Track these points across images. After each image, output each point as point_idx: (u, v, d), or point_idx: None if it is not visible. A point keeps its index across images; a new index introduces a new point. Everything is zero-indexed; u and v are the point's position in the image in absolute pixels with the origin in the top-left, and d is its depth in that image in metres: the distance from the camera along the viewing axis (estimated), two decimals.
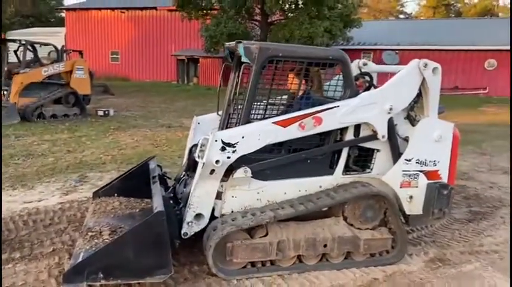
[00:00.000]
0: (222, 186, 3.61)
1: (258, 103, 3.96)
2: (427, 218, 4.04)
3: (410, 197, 3.96)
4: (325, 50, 4.03)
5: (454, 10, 51.90)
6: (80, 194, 5.48)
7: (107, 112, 12.46)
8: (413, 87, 3.94)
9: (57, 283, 3.34)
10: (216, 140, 3.41)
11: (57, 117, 11.40)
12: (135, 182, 4.48)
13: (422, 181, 3.96)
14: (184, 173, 4.26)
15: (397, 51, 23.82)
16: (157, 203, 3.43)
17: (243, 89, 3.90)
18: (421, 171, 3.95)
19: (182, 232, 3.51)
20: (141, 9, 30.80)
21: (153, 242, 3.13)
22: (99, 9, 31.95)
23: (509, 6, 50.63)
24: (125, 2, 34.07)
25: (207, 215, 3.57)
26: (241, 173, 3.54)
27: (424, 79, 3.92)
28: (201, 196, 3.52)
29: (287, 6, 21.04)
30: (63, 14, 41.46)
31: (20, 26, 31.38)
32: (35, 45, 11.89)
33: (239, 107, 3.99)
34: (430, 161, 3.96)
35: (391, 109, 3.78)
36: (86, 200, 5.19)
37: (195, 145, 4.15)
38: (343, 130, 3.85)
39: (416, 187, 3.96)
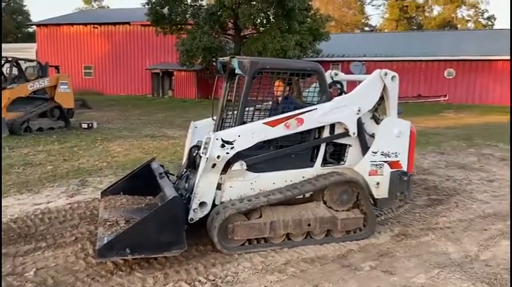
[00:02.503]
0: (221, 178, 4.32)
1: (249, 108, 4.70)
2: (391, 201, 4.87)
3: (378, 183, 4.77)
4: (304, 63, 4.84)
5: (416, 22, 54.53)
6: (84, 196, 6.02)
7: (90, 125, 12.88)
8: (376, 92, 4.79)
9: (86, 263, 3.93)
10: (217, 139, 4.12)
11: (43, 130, 11.75)
12: (138, 182, 5.10)
13: (387, 169, 4.79)
14: (185, 170, 4.91)
15: (363, 62, 25.15)
16: (171, 191, 4.10)
17: (237, 97, 4.64)
18: (385, 161, 4.78)
19: (189, 218, 4.17)
20: (114, 24, 31.13)
21: (170, 223, 3.80)
22: (72, 24, 32.09)
23: (467, 18, 53.82)
24: (97, 17, 34.40)
25: (209, 203, 4.25)
26: (237, 166, 4.25)
27: (385, 85, 4.78)
28: (205, 187, 4.20)
29: (259, 20, 21.99)
30: (31, 30, 41.31)
31: None
32: (20, 61, 12.25)
33: (233, 112, 4.74)
34: (392, 153, 4.80)
35: (359, 110, 4.61)
36: (92, 200, 5.74)
37: (195, 146, 4.86)
38: (320, 130, 4.63)
39: (382, 174, 4.78)
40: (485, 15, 52.53)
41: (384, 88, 4.80)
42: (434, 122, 15.70)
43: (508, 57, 21.80)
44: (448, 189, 6.71)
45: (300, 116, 4.43)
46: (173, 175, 5.10)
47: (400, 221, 5.20)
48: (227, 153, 4.15)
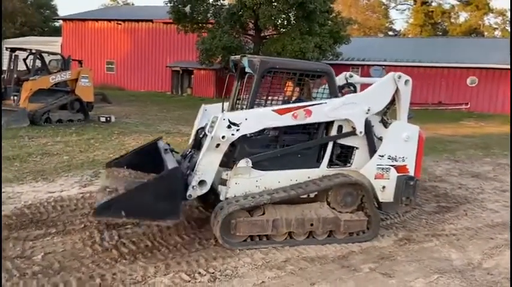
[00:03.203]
0: (227, 174, 4.39)
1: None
2: (397, 205, 4.85)
3: (383, 187, 4.77)
4: (314, 64, 4.89)
5: (441, 28, 53.67)
6: (96, 187, 6.14)
7: (108, 119, 13.15)
8: (388, 94, 4.78)
9: (92, 250, 4.06)
10: (224, 119, 4.15)
11: (62, 122, 12.07)
12: (143, 158, 5.11)
13: (393, 173, 4.78)
14: (190, 150, 4.97)
15: (383, 67, 24.91)
16: (173, 164, 4.18)
17: (246, 95, 4.71)
18: (392, 165, 4.77)
19: (187, 194, 4.18)
20: (137, 21, 31.64)
21: (169, 192, 3.88)
22: (96, 20, 32.74)
23: (494, 26, 52.73)
24: (121, 14, 35.01)
25: (208, 182, 4.25)
26: (243, 163, 4.32)
27: (397, 88, 4.77)
28: (206, 165, 4.22)
29: (279, 22, 22.04)
30: (57, 24, 42.27)
31: (11, 35, 31.82)
32: (43, 54, 12.61)
33: (242, 110, 4.80)
34: (399, 157, 4.78)
35: (368, 110, 4.60)
36: None
37: (202, 128, 4.88)
38: (328, 129, 4.64)
39: (388, 178, 4.77)
40: None
41: (397, 91, 4.79)
42: (452, 130, 15.47)
43: None
44: (458, 197, 6.63)
45: (308, 108, 4.43)
46: (178, 153, 5.15)
47: (405, 226, 5.18)
48: (232, 134, 4.17)
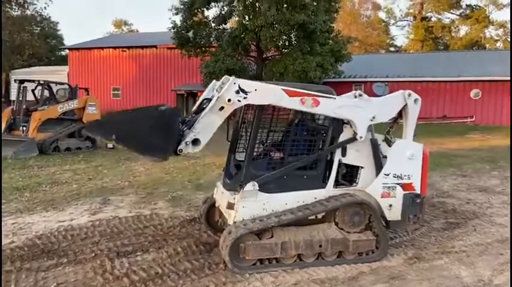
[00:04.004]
0: (234, 198, 4.45)
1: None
2: (404, 223, 4.87)
3: (390, 205, 4.79)
4: (314, 86, 4.94)
5: (442, 43, 54.06)
6: (106, 214, 6.24)
7: (115, 145, 13.30)
8: (395, 108, 4.82)
9: (103, 279, 4.10)
10: (234, 83, 4.15)
11: (71, 150, 12.25)
12: None
13: (400, 191, 4.80)
14: (191, 116, 4.82)
15: (386, 83, 25.05)
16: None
17: (251, 119, 4.79)
18: (398, 183, 4.80)
19: (178, 148, 4.05)
20: (142, 47, 32.25)
21: (164, 129, 3.87)
22: (102, 48, 33.42)
23: (496, 38, 53.03)
24: (126, 41, 35.73)
25: (202, 142, 4.14)
26: (250, 186, 4.37)
27: (406, 105, 4.81)
28: (205, 125, 4.14)
29: (281, 43, 22.36)
30: (63, 53, 43.14)
31: (19, 66, 32.44)
32: (51, 84, 12.89)
33: (246, 133, 4.89)
34: (405, 175, 4.82)
35: (373, 117, 4.62)
36: (112, 218, 5.96)
37: (207, 99, 4.85)
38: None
39: (395, 197, 4.80)
40: None
41: (405, 108, 4.83)
42: (458, 144, 15.45)
43: None
44: (467, 212, 6.61)
45: (318, 98, 4.42)
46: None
47: (414, 244, 5.17)
48: (238, 100, 4.14)
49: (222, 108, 4.11)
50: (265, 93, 4.26)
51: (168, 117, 3.94)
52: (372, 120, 4.63)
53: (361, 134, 4.58)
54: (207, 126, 4.12)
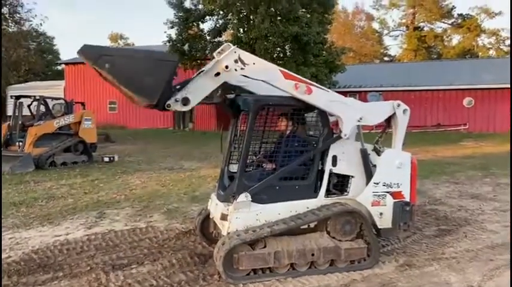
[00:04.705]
0: (227, 209, 4.53)
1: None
2: (395, 231, 4.96)
3: (381, 213, 4.88)
4: None
5: (435, 52, 54.66)
6: (101, 228, 6.29)
7: (112, 158, 13.38)
8: (383, 114, 4.94)
9: None
10: (235, 52, 4.25)
11: (67, 164, 12.30)
12: None
13: (389, 200, 4.90)
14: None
15: (380, 93, 25.32)
16: None
17: (242, 132, 4.90)
18: (387, 192, 4.90)
19: (167, 103, 4.13)
20: None
21: (159, 74, 3.85)
22: None
23: (488, 46, 53.67)
24: None
25: (192, 103, 4.19)
26: (243, 197, 4.46)
27: (395, 115, 4.93)
28: (198, 86, 4.23)
29: (275, 55, 22.62)
30: (59, 68, 43.38)
31: (15, 81, 32.58)
32: (47, 99, 13.00)
33: (239, 146, 4.99)
34: (394, 184, 4.92)
35: (360, 119, 4.73)
36: (108, 232, 6.01)
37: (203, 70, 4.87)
38: (323, 158, 4.78)
39: (385, 205, 4.89)
40: (507, 42, 52.28)
41: (394, 118, 4.95)
42: (452, 151, 15.61)
43: None
44: (458, 219, 6.70)
45: (311, 87, 4.52)
46: None
47: (406, 252, 5.24)
48: (235, 69, 4.22)
49: (217, 74, 4.19)
50: (263, 69, 4.36)
51: (166, 64, 3.96)
52: (359, 121, 4.73)
53: (345, 132, 4.66)
54: (200, 88, 4.21)
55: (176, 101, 4.12)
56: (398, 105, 4.94)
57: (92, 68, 3.90)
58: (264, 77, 4.38)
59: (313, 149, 4.81)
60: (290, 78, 4.45)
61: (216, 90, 4.49)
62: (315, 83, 4.62)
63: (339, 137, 4.71)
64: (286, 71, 4.48)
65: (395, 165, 4.92)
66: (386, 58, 57.58)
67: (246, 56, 4.30)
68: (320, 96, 4.56)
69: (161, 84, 3.88)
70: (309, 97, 4.52)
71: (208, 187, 8.92)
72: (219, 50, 4.31)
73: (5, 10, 15.75)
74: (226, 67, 4.17)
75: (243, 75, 4.33)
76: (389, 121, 5.02)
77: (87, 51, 3.74)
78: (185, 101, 4.14)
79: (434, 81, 25.56)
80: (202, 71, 4.51)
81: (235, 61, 4.21)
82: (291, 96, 4.94)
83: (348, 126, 4.68)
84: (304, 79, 4.55)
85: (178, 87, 4.23)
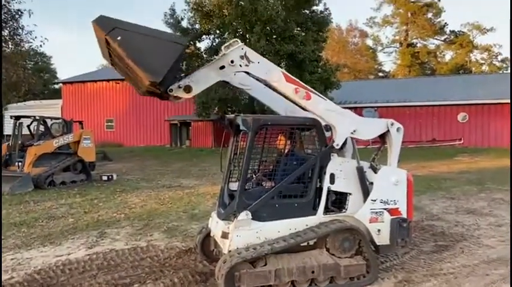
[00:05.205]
0: (228, 227, 4.62)
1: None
2: (393, 247, 5.04)
3: (379, 230, 4.97)
4: (303, 118, 5.21)
5: (429, 67, 55.42)
6: (102, 247, 6.34)
7: (110, 177, 13.44)
8: (377, 129, 5.09)
9: None
10: (242, 48, 4.43)
11: (66, 184, 12.34)
12: None
13: (387, 216, 4.99)
14: None
15: (376, 109, 25.60)
16: None
17: (242, 151, 5.02)
18: (385, 209, 5.00)
19: (170, 87, 4.25)
20: None
21: (168, 54, 3.94)
22: (95, 81, 33.88)
23: (481, 61, 54.47)
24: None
25: (194, 91, 4.33)
26: (243, 215, 4.55)
27: (389, 133, 5.08)
28: (202, 76, 4.39)
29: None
30: (56, 87, 43.64)
31: (15, 101, 32.69)
32: (46, 119, 13.11)
33: (239, 165, 5.11)
34: (391, 201, 5.03)
35: (354, 131, 4.88)
36: (109, 251, 6.06)
37: None
38: (321, 176, 4.89)
39: (383, 221, 4.98)
40: (500, 57, 53.15)
41: (388, 136, 5.09)
42: (447, 167, 15.76)
43: None
44: (455, 235, 6.79)
45: (311, 93, 4.69)
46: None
47: (404, 268, 5.32)
48: (240, 65, 4.39)
49: (222, 67, 4.34)
50: (266, 69, 4.52)
51: (176, 46, 4.05)
52: (352, 133, 4.87)
53: (338, 142, 4.79)
54: (203, 78, 4.36)
55: (179, 87, 4.25)
56: (392, 124, 5.09)
57: (101, 41, 3.98)
58: (266, 76, 4.54)
59: (311, 167, 4.93)
60: (291, 81, 4.61)
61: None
62: (314, 91, 4.76)
63: (332, 147, 4.83)
64: (289, 75, 4.65)
65: (391, 182, 5.03)
66: (380, 74, 58.30)
67: (252, 54, 4.48)
68: (318, 104, 4.72)
69: (168, 64, 3.96)
70: (306, 103, 4.67)
71: (207, 205, 8.99)
72: (226, 44, 4.49)
73: (5, 32, 15.94)
74: (232, 61, 4.34)
75: (245, 72, 4.46)
76: (384, 138, 5.16)
77: (102, 21, 3.84)
78: (188, 89, 4.28)
79: (429, 96, 25.90)
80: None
81: (241, 57, 4.39)
82: (289, 116, 5.09)
83: (341, 136, 4.82)
84: (305, 85, 4.70)
85: (183, 75, 4.39)
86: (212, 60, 4.87)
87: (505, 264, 5.34)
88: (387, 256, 5.53)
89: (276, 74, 4.57)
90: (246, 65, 4.42)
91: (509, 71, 45.84)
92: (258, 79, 4.71)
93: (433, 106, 25.30)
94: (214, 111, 23.56)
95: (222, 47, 4.50)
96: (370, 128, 5.06)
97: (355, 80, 44.01)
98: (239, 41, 4.52)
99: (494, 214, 8.14)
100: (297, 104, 4.96)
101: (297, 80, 4.68)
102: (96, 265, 5.54)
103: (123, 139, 32.05)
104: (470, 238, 6.57)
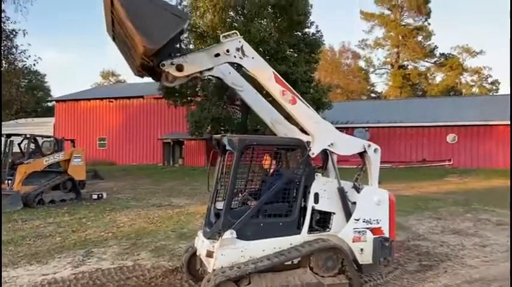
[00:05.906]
0: (213, 246, 4.68)
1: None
2: (376, 266, 5.11)
3: (361, 249, 5.05)
4: (288, 138, 5.34)
5: (420, 89, 56.23)
6: (88, 266, 6.32)
7: (100, 195, 13.42)
8: (353, 148, 5.23)
9: None
10: (239, 41, 4.61)
11: (55, 202, 12.29)
12: None
13: (370, 236, 5.08)
14: None
15: (367, 129, 25.89)
16: None
17: (228, 170, 5.12)
18: (367, 228, 5.09)
19: (163, 61, 4.34)
20: (129, 98, 32.92)
21: (170, 27, 4.06)
22: (89, 99, 34.00)
23: (471, 83, 55.41)
24: (113, 92, 36.44)
25: (185, 71, 4.46)
26: (228, 234, 4.62)
27: (366, 154, 5.22)
28: (196, 59, 4.55)
29: (264, 92, 23.11)
30: (49, 104, 43.66)
31: (7, 119, 32.72)
32: (37, 137, 13.14)
33: (225, 184, 5.20)
34: (373, 220, 5.13)
35: (331, 144, 5.02)
36: (95, 271, 6.05)
37: None
38: (305, 195, 4.99)
39: (365, 241, 5.07)
40: (489, 80, 54.09)
41: (366, 157, 5.23)
42: (436, 187, 15.92)
43: (508, 123, 22.18)
44: (440, 254, 6.87)
45: (297, 99, 4.86)
46: None
47: None
48: (234, 56, 4.58)
49: (217, 55, 4.49)
50: (259, 65, 4.71)
51: (178, 19, 4.17)
52: (329, 146, 5.00)
53: (314, 151, 4.90)
54: (197, 61, 4.51)
55: (172, 64, 4.38)
56: (369, 145, 5.24)
57: (107, 6, 4.09)
58: (257, 72, 4.70)
59: (295, 187, 5.03)
60: (280, 83, 4.78)
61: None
62: (303, 99, 4.91)
63: (308, 156, 4.92)
64: (280, 77, 4.82)
65: (374, 202, 5.14)
66: (373, 94, 58.98)
67: (249, 49, 4.67)
68: (302, 110, 4.87)
69: (168, 34, 4.07)
70: (291, 107, 4.82)
71: (196, 224, 9.01)
72: (225, 34, 4.67)
73: None
74: (227, 51, 4.52)
75: (238, 65, 4.62)
76: (363, 159, 5.30)
77: None
78: (180, 67, 4.41)
79: (419, 117, 26.27)
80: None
81: (237, 49, 4.58)
82: (275, 136, 5.22)
83: (319, 146, 4.94)
84: (294, 92, 4.86)
85: (178, 54, 4.51)
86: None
87: (486, 284, 5.42)
88: (371, 275, 5.59)
89: (267, 73, 4.75)
90: (240, 58, 4.59)
91: (499, 93, 46.75)
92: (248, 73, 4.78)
93: (423, 127, 25.64)
94: (207, 130, 23.69)
95: (221, 37, 4.69)
96: (347, 145, 5.21)
97: (347, 100, 44.53)
98: (238, 33, 4.71)
99: (479, 234, 8.25)
100: (283, 111, 5.08)
101: (287, 84, 4.84)
102: (81, 285, 5.54)
103: (116, 158, 31.99)
104: (455, 258, 6.66)
